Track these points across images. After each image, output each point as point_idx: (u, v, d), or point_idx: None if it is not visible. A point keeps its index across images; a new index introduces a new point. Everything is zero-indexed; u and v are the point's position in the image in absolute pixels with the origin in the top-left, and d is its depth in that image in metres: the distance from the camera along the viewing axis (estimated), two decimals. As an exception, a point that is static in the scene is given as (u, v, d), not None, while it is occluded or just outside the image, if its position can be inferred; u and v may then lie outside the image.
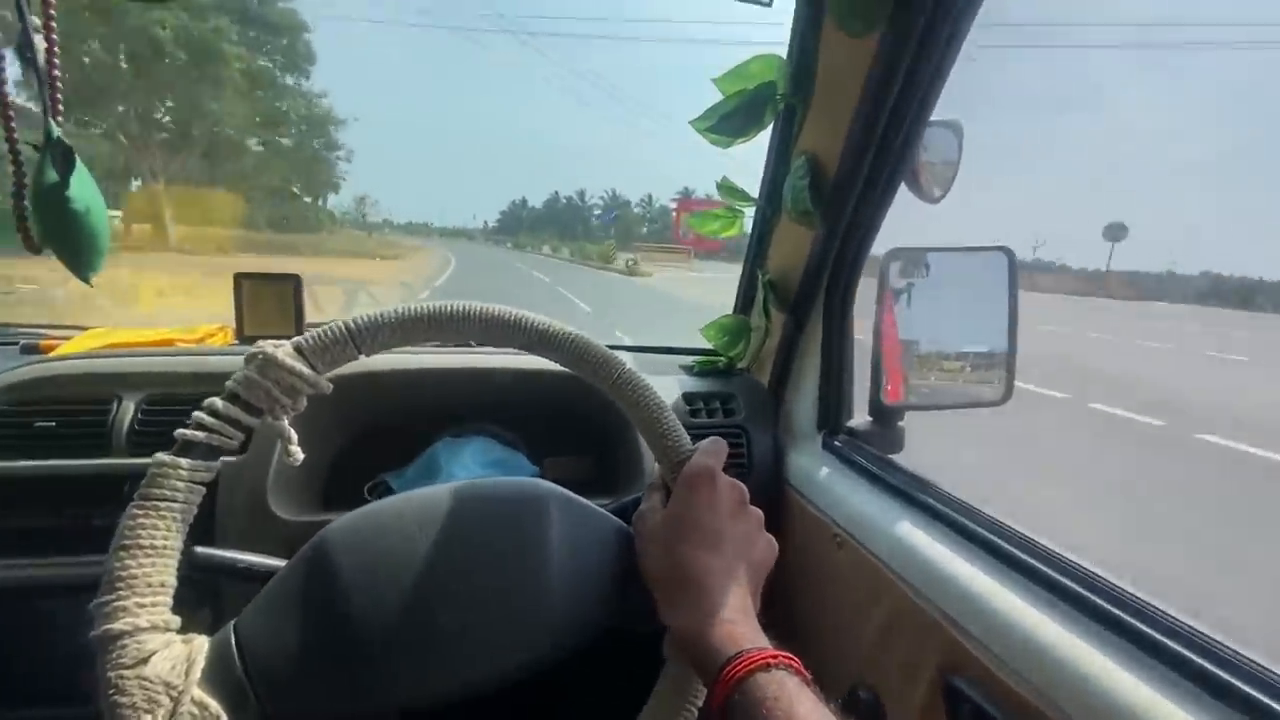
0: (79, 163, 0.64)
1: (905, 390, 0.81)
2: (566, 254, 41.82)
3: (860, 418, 0.85)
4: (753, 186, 0.90)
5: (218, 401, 0.38)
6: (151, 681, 0.33)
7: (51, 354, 0.86)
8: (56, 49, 0.60)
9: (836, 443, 0.83)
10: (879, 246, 0.78)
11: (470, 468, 0.82)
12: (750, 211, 0.92)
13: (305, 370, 0.39)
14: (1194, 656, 0.40)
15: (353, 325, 0.40)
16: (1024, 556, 0.53)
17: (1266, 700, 0.36)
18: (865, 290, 0.81)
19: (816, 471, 0.82)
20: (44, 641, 0.74)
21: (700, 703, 0.43)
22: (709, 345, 1.02)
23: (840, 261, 0.81)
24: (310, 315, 0.93)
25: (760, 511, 0.45)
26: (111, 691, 0.33)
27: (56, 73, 0.61)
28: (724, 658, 0.35)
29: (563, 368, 0.45)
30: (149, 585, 0.35)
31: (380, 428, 0.89)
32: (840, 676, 0.68)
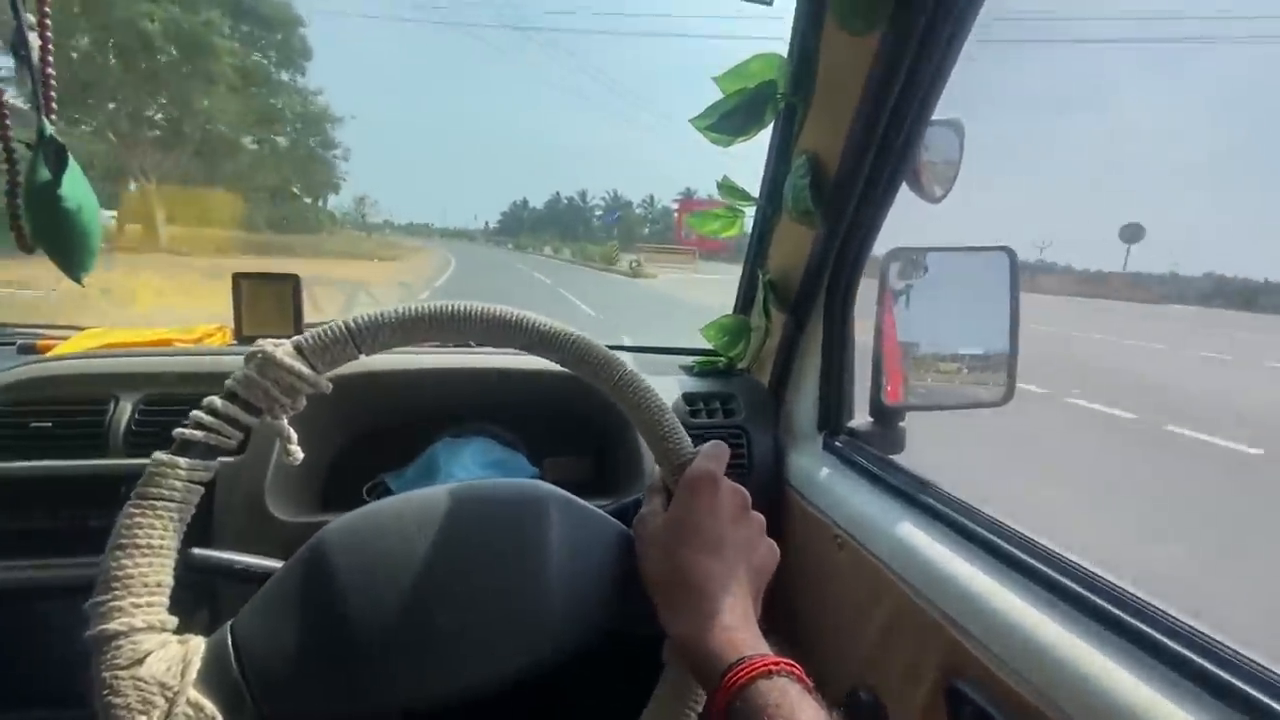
0: (71, 161, 0.64)
1: (906, 391, 0.80)
2: (568, 255, 41.66)
3: (861, 418, 0.84)
4: (754, 186, 0.90)
5: (216, 400, 0.38)
6: (146, 682, 0.33)
7: (48, 354, 0.86)
8: (51, 47, 0.60)
9: (837, 443, 0.83)
10: (880, 247, 0.78)
11: (470, 468, 0.82)
12: (751, 211, 0.91)
13: (305, 370, 0.39)
14: (1194, 656, 0.40)
15: (353, 325, 0.40)
16: (1024, 557, 0.53)
17: (1267, 700, 0.36)
18: (866, 290, 0.81)
19: (817, 472, 0.82)
20: (40, 643, 0.73)
21: (700, 708, 0.43)
22: (709, 345, 1.02)
23: (841, 261, 0.80)
24: (309, 315, 0.92)
25: (762, 517, 0.45)
26: (106, 692, 0.33)
27: (50, 70, 0.61)
28: (725, 664, 0.35)
29: (563, 368, 0.45)
30: (145, 585, 0.35)
31: (379, 428, 0.89)
32: (841, 678, 0.68)
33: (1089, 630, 0.45)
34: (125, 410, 0.76)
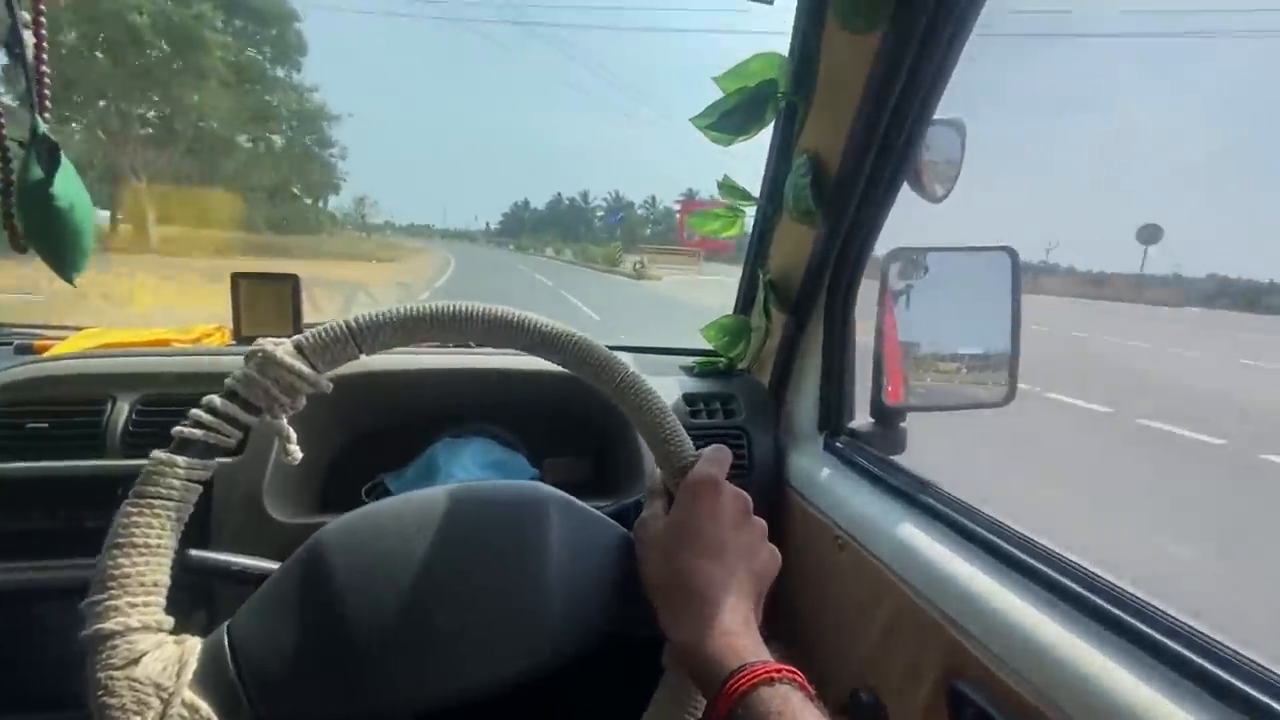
0: (64, 159, 0.63)
1: (906, 391, 0.80)
2: (569, 256, 41.47)
3: (862, 419, 0.84)
4: (755, 185, 0.90)
5: (216, 399, 0.38)
6: (141, 683, 0.33)
7: (45, 354, 0.85)
8: (45, 44, 0.60)
9: (838, 444, 0.83)
10: (880, 247, 0.78)
11: (469, 469, 0.82)
12: (751, 211, 0.91)
13: (305, 369, 0.39)
14: (1194, 656, 0.40)
15: (354, 324, 0.40)
16: (1024, 557, 0.53)
17: (1267, 700, 0.36)
18: (868, 290, 0.81)
19: (818, 473, 0.82)
20: (36, 645, 0.73)
21: (699, 713, 0.42)
22: (709, 346, 1.02)
23: (842, 261, 0.80)
24: (308, 316, 0.92)
25: (763, 522, 0.45)
26: (100, 692, 0.32)
27: (45, 68, 0.60)
28: (726, 671, 0.35)
29: (563, 369, 0.45)
30: (142, 584, 0.35)
31: (379, 428, 0.88)
32: (842, 678, 0.67)
33: (1089, 630, 0.45)
34: (123, 411, 0.76)
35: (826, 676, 0.70)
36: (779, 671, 0.34)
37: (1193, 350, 11.02)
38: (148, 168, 19.10)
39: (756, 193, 0.90)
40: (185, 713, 0.33)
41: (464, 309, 0.41)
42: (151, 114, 19.66)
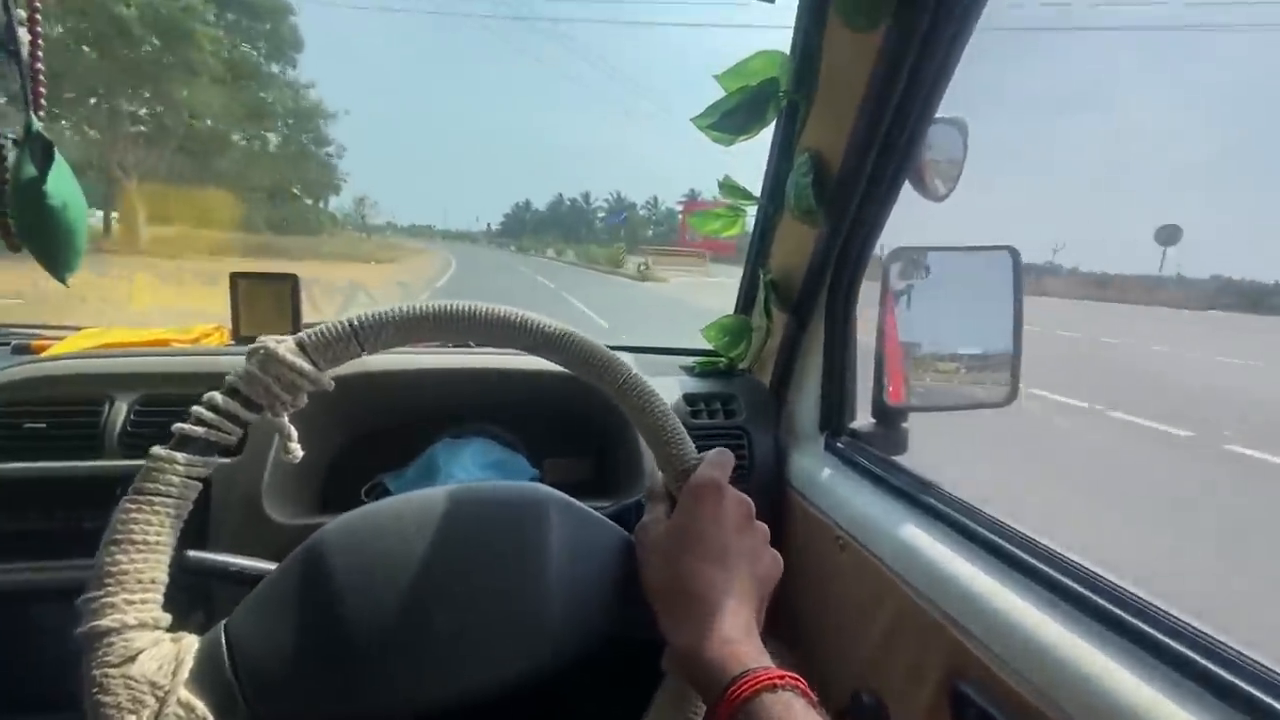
0: (58, 157, 0.63)
1: (908, 391, 0.80)
2: (571, 257, 41.30)
3: (863, 419, 0.84)
4: (756, 185, 0.89)
5: (217, 396, 0.38)
6: (137, 680, 0.32)
7: (43, 354, 0.85)
8: (41, 42, 0.59)
9: (839, 444, 0.83)
10: (882, 247, 0.78)
11: (470, 469, 0.82)
12: (753, 210, 0.91)
13: (307, 367, 0.39)
14: (1196, 656, 0.40)
15: (356, 323, 0.40)
16: (1026, 557, 0.52)
17: (1269, 700, 0.36)
18: (869, 290, 0.81)
19: (819, 473, 0.81)
20: (33, 646, 0.72)
21: (699, 718, 0.42)
22: (710, 346, 1.01)
23: (843, 260, 0.80)
24: (307, 316, 0.92)
25: (766, 527, 0.44)
26: (95, 690, 0.32)
27: (40, 66, 0.60)
28: (728, 677, 0.34)
29: (564, 369, 0.44)
30: (139, 582, 0.34)
31: (379, 428, 0.88)
32: (843, 679, 0.67)
33: (1091, 630, 0.45)
34: (121, 411, 0.75)
35: (828, 678, 0.70)
36: (781, 678, 0.34)
37: (1162, 346, 11.13)
38: (139, 166, 18.67)
39: (757, 192, 0.89)
40: (181, 711, 0.33)
41: (466, 309, 0.41)
42: (143, 111, 19.16)
